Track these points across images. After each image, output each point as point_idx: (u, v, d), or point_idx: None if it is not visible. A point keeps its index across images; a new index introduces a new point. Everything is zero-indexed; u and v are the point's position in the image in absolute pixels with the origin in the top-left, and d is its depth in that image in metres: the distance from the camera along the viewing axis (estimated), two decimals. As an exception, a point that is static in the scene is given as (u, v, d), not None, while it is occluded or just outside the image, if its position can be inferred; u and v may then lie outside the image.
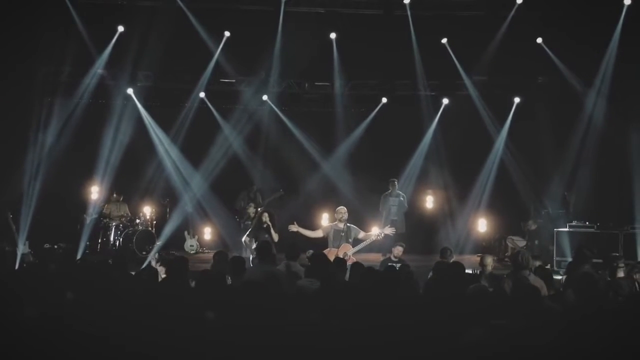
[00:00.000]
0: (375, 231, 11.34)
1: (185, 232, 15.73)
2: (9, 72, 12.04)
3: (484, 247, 15.40)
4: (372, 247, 13.50)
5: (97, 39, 13.85)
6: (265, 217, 11.59)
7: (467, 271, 10.13)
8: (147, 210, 15.38)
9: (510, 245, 15.10)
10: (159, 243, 14.63)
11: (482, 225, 15.97)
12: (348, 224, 11.16)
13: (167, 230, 14.96)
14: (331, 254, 10.70)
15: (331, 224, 11.30)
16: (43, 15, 12.59)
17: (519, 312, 4.90)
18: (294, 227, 11.30)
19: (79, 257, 11.13)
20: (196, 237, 15.79)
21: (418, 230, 15.38)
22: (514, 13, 14.12)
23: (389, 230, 11.45)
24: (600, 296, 5.43)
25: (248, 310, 5.16)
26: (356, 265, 7.58)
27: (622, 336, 4.70)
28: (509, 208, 15.63)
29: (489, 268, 8.64)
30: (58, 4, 13.17)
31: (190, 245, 15.58)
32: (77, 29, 13.37)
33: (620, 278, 8.00)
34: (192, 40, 14.39)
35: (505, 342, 4.56)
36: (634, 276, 7.97)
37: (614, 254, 8.84)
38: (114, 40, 14.15)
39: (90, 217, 14.37)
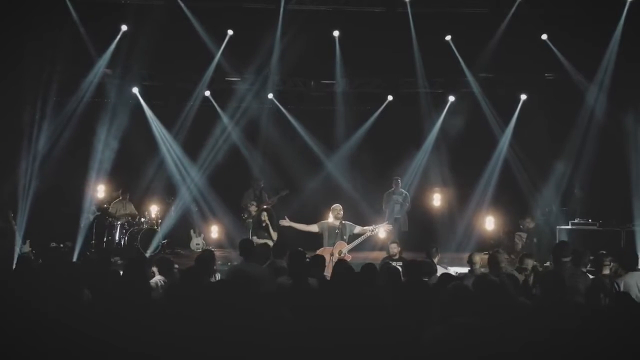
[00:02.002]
0: (371, 227, 11.24)
1: (191, 231, 15.83)
2: (8, 71, 12.09)
3: (491, 245, 15.27)
4: (376, 246, 13.54)
5: (97, 37, 13.88)
6: (264, 216, 11.62)
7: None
8: (153, 209, 15.50)
9: (517, 241, 15.02)
10: (163, 241, 14.77)
11: (489, 222, 15.88)
12: (343, 221, 11.13)
13: (166, 227, 15.04)
14: (326, 252, 10.73)
15: (327, 221, 11.26)
16: (43, 14, 12.61)
17: (482, 310, 4.87)
18: (286, 222, 11.33)
19: (76, 255, 11.23)
20: (202, 235, 15.87)
21: (423, 228, 15.31)
22: (515, 10, 13.96)
23: (385, 227, 11.40)
24: (566, 294, 5.36)
25: (219, 307, 5.19)
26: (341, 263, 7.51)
27: (584, 334, 4.66)
28: (517, 204, 15.53)
29: (478, 266, 8.58)
30: (57, 3, 13.24)
31: (197, 244, 15.65)
32: (77, 27, 13.41)
33: (604, 275, 7.95)
34: (195, 38, 14.37)
35: (464, 339, 4.52)
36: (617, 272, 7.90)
37: (602, 251, 8.78)
38: (117, 39, 14.17)
39: (92, 214, 14.43)
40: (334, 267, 6.99)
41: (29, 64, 12.34)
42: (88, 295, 5.96)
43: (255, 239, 11.27)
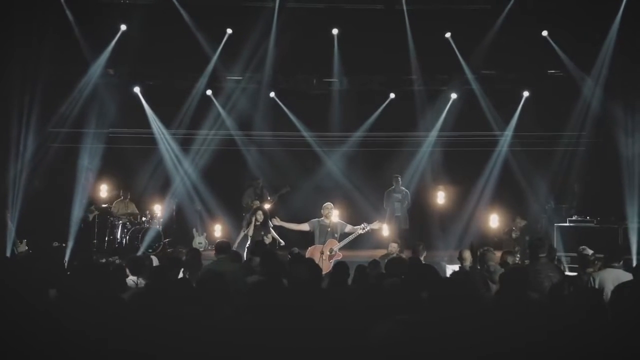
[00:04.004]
0: (362, 225, 11.23)
1: (194, 230, 15.90)
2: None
3: (495, 242, 15.24)
4: (379, 244, 13.56)
5: (90, 37, 13.90)
6: (260, 216, 11.61)
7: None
8: (157, 209, 15.60)
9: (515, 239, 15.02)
10: (165, 240, 14.87)
11: (493, 220, 15.84)
12: (334, 220, 11.17)
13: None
14: (316, 250, 10.83)
15: (318, 219, 11.28)
16: (38, 15, 12.70)
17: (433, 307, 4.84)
18: (276, 222, 11.36)
19: (68, 255, 11.31)
20: (205, 234, 15.93)
21: (425, 226, 15.30)
22: (513, 5, 13.85)
23: (376, 225, 11.36)
24: (525, 290, 5.30)
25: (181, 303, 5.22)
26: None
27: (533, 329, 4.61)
28: (520, 202, 15.45)
29: (467, 263, 8.53)
30: (52, 3, 13.30)
31: (199, 243, 15.68)
32: (71, 27, 13.48)
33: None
34: (194, 37, 14.33)
35: (412, 336, 4.49)
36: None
37: (582, 247, 8.76)
38: (115, 39, 14.19)
39: (90, 214, 14.52)
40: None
41: (19, 62, 12.36)
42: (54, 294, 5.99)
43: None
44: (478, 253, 7.38)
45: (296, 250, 10.19)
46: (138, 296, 5.91)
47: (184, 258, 8.44)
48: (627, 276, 6.94)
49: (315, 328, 4.71)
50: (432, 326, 4.61)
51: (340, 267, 6.59)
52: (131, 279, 7.41)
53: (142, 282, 7.28)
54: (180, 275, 7.52)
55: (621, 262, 7.82)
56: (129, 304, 5.52)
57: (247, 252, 10.49)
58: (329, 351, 4.56)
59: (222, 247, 8.07)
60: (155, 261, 9.14)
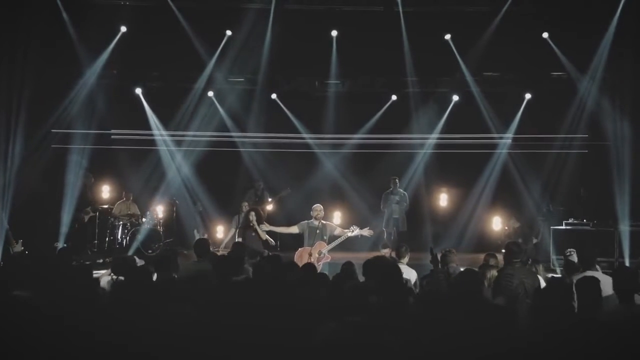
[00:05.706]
0: (350, 228, 11.20)
1: (195, 231, 15.89)
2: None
3: (498, 245, 15.16)
4: (375, 247, 13.51)
5: (87, 39, 14.01)
6: (252, 216, 11.61)
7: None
8: (159, 210, 15.66)
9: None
10: (167, 240, 14.95)
11: (496, 223, 15.78)
12: (323, 222, 11.13)
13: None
14: (305, 252, 10.82)
15: (307, 221, 11.25)
16: (33, 16, 12.77)
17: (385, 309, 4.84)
18: (266, 227, 11.36)
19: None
20: (205, 235, 15.94)
21: (422, 228, 15.25)
22: (509, 7, 13.84)
23: (366, 232, 11.30)
24: (478, 291, 5.26)
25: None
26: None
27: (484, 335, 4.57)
28: (519, 205, 15.36)
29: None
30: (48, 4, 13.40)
31: (199, 244, 15.70)
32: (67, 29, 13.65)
33: None
34: (193, 39, 14.41)
35: (358, 338, 4.48)
36: None
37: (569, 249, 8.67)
38: (115, 40, 14.33)
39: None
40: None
41: (8, 61, 12.44)
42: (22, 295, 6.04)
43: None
44: (437, 255, 7.33)
45: (265, 252, 10.24)
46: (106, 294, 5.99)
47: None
48: (606, 279, 6.87)
49: (264, 326, 4.72)
50: (380, 329, 4.59)
51: (307, 268, 6.62)
52: (109, 278, 7.43)
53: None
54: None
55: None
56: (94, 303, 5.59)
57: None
58: (273, 349, 4.57)
59: (201, 249, 8.07)
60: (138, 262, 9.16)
